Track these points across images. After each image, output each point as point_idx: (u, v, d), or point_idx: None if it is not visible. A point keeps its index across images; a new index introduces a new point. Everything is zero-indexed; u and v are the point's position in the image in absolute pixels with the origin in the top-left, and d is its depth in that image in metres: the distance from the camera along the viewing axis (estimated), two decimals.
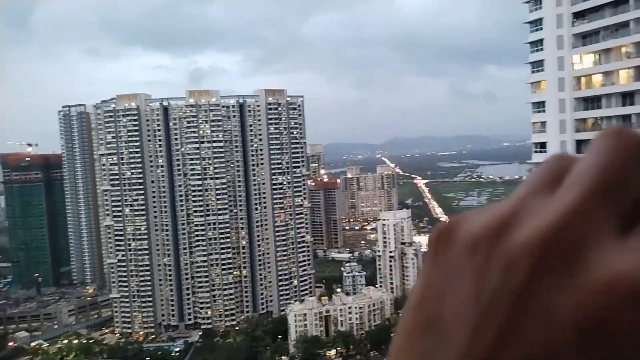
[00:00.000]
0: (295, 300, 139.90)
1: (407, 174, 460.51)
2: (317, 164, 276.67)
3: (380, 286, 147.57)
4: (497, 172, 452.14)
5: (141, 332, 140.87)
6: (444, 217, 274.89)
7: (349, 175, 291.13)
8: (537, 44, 58.96)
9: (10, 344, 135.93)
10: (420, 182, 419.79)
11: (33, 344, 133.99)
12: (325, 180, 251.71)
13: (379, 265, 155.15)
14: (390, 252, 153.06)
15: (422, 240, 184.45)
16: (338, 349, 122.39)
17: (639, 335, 0.51)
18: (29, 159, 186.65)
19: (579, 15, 56.36)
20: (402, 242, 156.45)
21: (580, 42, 56.54)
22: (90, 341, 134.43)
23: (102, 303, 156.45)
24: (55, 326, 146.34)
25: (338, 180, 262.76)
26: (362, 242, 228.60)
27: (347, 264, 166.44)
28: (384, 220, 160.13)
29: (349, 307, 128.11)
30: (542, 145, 59.84)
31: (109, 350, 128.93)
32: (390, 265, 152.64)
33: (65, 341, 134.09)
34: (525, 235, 0.58)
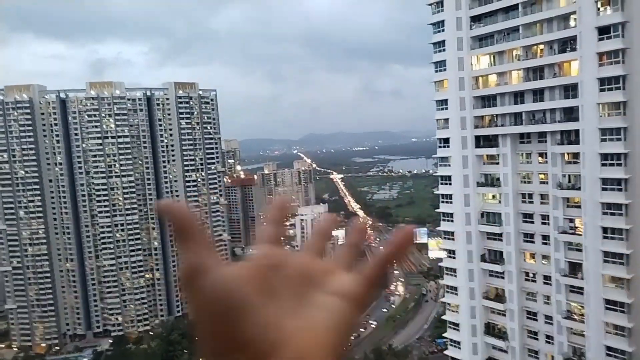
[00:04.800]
0: None
1: (323, 169, 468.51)
2: (232, 160, 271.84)
3: None
4: (407, 166, 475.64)
5: (43, 344, 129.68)
6: (359, 211, 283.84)
7: (266, 171, 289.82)
8: (440, 45, 62.82)
9: None
10: (336, 177, 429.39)
11: None
12: (242, 176, 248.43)
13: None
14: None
15: (340, 233, 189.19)
16: None
17: None
18: None
19: (476, 19, 60.89)
20: None
21: (478, 44, 61.18)
22: None
23: None
24: None
25: (255, 177, 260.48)
26: (282, 238, 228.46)
27: None
28: (302, 215, 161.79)
29: None
30: (446, 140, 64.04)
31: None
32: None
33: None
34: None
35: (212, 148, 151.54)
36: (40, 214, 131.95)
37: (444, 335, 71.65)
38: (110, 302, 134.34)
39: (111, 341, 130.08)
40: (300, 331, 0.97)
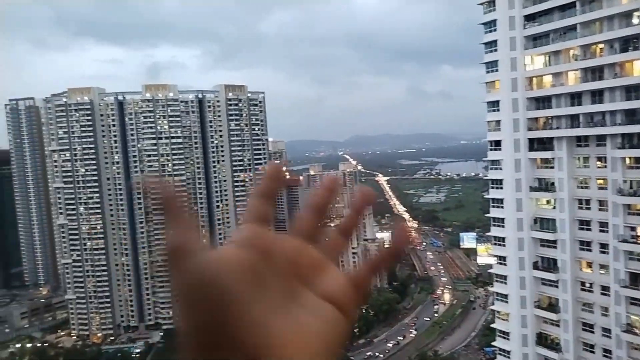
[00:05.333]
0: None
1: (368, 171, 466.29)
2: (279, 161, 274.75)
3: None
4: (455, 169, 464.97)
5: (99, 334, 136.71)
6: (405, 214, 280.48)
7: (312, 173, 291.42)
8: (491, 45, 61.15)
9: None
10: (382, 179, 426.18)
11: None
12: (288, 177, 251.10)
13: (342, 261, 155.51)
14: (353, 248, 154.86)
15: (385, 236, 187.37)
16: None
17: None
18: None
19: (530, 18, 58.86)
20: (365, 239, 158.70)
21: (532, 43, 59.10)
22: (45, 345, 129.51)
23: (56, 305, 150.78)
24: (7, 330, 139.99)
25: (301, 178, 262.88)
26: (326, 239, 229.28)
27: None
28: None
29: None
30: (497, 143, 62.23)
31: (65, 353, 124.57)
32: (354, 262, 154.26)
33: (18, 345, 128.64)
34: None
35: (259, 149, 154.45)
36: (99, 210, 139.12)
37: (493, 343, 69.56)
38: (162, 296, 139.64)
39: (162, 334, 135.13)
40: (289, 335, 0.88)
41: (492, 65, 61.68)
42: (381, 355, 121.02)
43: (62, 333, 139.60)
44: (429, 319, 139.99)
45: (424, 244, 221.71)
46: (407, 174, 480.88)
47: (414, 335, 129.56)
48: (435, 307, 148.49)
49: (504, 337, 63.52)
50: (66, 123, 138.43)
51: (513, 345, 62.02)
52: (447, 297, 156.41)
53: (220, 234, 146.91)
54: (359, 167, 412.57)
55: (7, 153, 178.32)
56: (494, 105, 61.96)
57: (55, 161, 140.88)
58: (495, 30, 60.62)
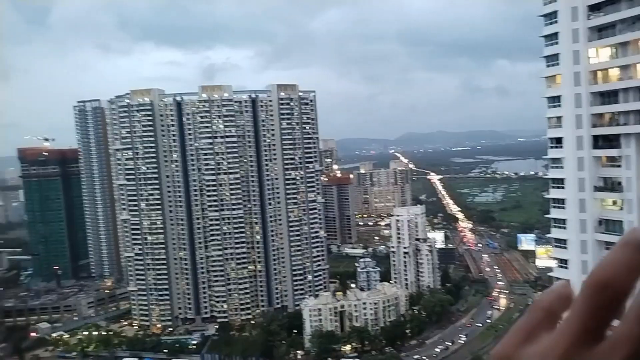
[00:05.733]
0: (310, 295, 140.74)
1: (420, 170, 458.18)
2: (330, 159, 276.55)
3: (395, 282, 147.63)
4: (513, 167, 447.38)
5: (159, 325, 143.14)
6: (459, 214, 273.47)
7: (362, 171, 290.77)
8: (552, 38, 58.33)
9: (33, 334, 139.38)
10: (434, 178, 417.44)
11: (54, 334, 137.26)
12: (338, 175, 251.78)
13: (393, 261, 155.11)
14: (405, 248, 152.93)
15: (437, 236, 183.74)
16: (353, 344, 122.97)
17: None
18: (46, 153, 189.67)
19: (594, 8, 55.59)
20: (417, 238, 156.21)
21: (596, 35, 55.81)
22: (110, 333, 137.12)
23: (120, 296, 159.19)
24: (75, 318, 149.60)
25: (351, 176, 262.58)
26: (376, 238, 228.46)
27: (361, 260, 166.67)
28: (398, 216, 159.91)
29: (364, 303, 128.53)
30: (558, 140, 59.33)
31: (127, 342, 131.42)
32: (405, 262, 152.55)
33: (85, 333, 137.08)
34: None
35: (310, 147, 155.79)
36: (159, 206, 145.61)
37: None
38: (217, 290, 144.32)
39: (217, 327, 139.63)
40: None
41: (552, 59, 58.85)
42: (434, 356, 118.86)
43: (125, 323, 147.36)
44: (483, 323, 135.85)
45: (479, 245, 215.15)
46: (461, 172, 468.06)
47: (467, 339, 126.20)
48: (491, 310, 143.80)
49: None
50: (129, 123, 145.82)
51: None
52: (503, 300, 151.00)
53: (272, 230, 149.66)
54: (411, 166, 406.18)
55: (75, 152, 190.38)
56: (555, 100, 59.12)
57: (119, 159, 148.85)
58: (556, 22, 57.80)
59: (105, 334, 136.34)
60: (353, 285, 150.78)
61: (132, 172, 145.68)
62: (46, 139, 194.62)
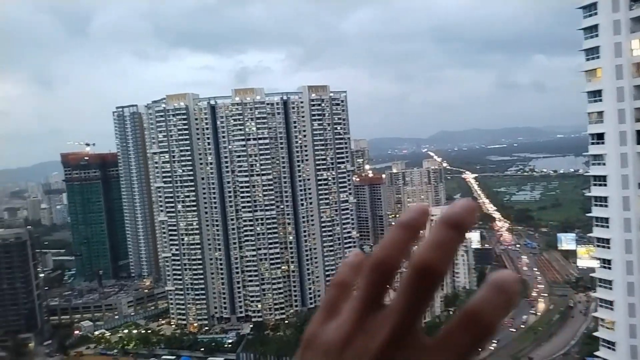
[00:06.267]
0: None
1: (454, 169, 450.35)
2: (361, 159, 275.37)
3: None
4: (551, 165, 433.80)
5: (195, 324, 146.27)
6: (495, 213, 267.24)
7: (395, 170, 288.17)
8: (592, 30, 56.30)
9: (76, 332, 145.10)
10: (469, 177, 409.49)
11: (96, 332, 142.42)
12: (370, 175, 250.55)
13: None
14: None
15: (473, 236, 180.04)
16: None
17: None
18: (87, 158, 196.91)
19: None
20: None
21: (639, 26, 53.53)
22: (148, 331, 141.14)
23: (158, 295, 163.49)
24: (116, 316, 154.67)
25: (383, 176, 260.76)
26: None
27: None
28: (432, 216, 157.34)
29: None
30: (600, 136, 57.26)
31: (165, 340, 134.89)
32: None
33: (126, 331, 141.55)
34: (360, 349, 1.23)
35: (342, 148, 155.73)
36: (194, 208, 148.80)
37: (596, 354, 64.13)
38: (252, 290, 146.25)
39: (252, 326, 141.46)
40: None
41: (592, 52, 56.82)
42: None
43: (163, 321, 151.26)
44: (522, 324, 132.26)
45: (517, 245, 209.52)
46: (498, 170, 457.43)
47: (504, 341, 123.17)
48: (530, 311, 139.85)
49: (609, 348, 58.33)
50: (165, 127, 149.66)
51: (620, 357, 56.77)
52: (542, 301, 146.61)
53: (304, 231, 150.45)
54: (444, 165, 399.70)
55: (115, 156, 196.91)
56: (596, 95, 57.06)
57: (156, 162, 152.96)
58: (595, 13, 55.78)
59: (144, 332, 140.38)
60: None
61: (169, 174, 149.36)
62: (87, 144, 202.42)
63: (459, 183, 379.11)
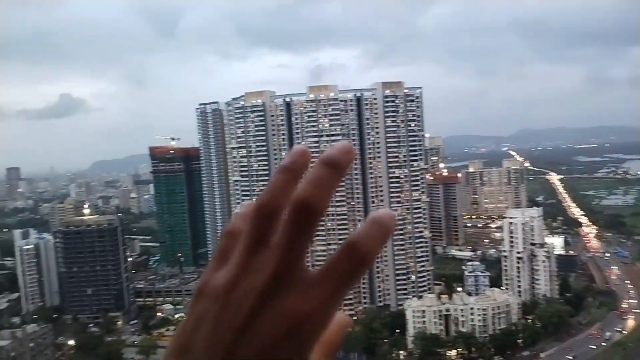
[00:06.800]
0: (414, 296, 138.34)
1: (537, 169, 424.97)
2: (436, 158, 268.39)
3: (507, 288, 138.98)
4: None
5: None
6: (582, 217, 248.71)
7: (471, 170, 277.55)
8: None
9: (158, 314, 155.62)
10: (554, 178, 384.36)
11: (176, 316, 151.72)
12: (445, 174, 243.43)
13: (505, 266, 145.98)
14: (518, 252, 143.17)
15: (556, 241, 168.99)
16: (459, 349, 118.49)
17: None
18: (172, 151, 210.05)
19: None
20: (532, 243, 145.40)
21: None
22: None
23: None
24: None
25: (459, 175, 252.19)
26: (486, 240, 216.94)
27: (469, 263, 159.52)
28: (511, 218, 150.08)
29: (471, 308, 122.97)
30: None
31: None
32: (518, 267, 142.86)
33: None
34: (244, 290, 1.30)
35: (415, 145, 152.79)
36: None
37: None
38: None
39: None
40: None
41: None
42: None
43: None
44: (609, 339, 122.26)
45: (607, 253, 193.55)
46: (586, 172, 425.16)
47: (590, 354, 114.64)
48: (618, 327, 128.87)
49: None
50: (243, 123, 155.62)
51: None
52: (635, 315, 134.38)
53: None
54: (526, 164, 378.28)
55: (197, 150, 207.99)
56: None
57: (235, 157, 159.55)
58: None
59: None
60: (459, 289, 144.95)
61: (246, 169, 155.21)
62: (173, 139, 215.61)
63: (542, 184, 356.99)
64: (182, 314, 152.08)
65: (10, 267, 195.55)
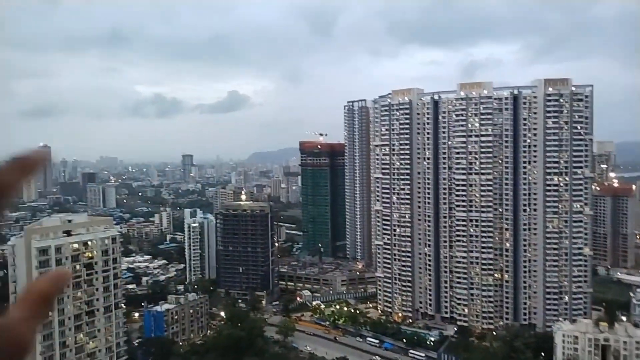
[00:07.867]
0: (565, 319, 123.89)
1: None
2: (605, 166, 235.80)
3: None
4: None
5: (400, 314, 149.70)
6: None
7: None
8: None
9: (298, 299, 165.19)
10: None
11: (314, 302, 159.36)
12: (616, 185, 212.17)
13: None
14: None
15: None
16: None
17: None
18: (320, 146, 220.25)
19: None
20: None
21: None
22: (357, 311, 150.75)
23: (368, 279, 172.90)
24: (331, 292, 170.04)
25: (633, 187, 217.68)
26: None
27: (638, 290, 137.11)
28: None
29: (638, 342, 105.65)
30: None
31: (371, 323, 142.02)
32: None
33: (338, 306, 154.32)
34: None
35: (580, 150, 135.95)
36: (408, 201, 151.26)
37: None
38: (459, 292, 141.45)
39: (456, 329, 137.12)
40: None
41: None
42: None
43: (370, 305, 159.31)
44: None
45: None
46: None
47: None
48: None
49: None
50: (388, 121, 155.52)
51: None
52: None
53: (524, 239, 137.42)
54: None
55: (342, 146, 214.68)
56: None
57: (377, 154, 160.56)
58: None
59: (353, 311, 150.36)
60: (624, 318, 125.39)
61: (388, 166, 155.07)
62: (321, 134, 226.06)
63: None
64: (318, 302, 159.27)
65: (179, 240, 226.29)
